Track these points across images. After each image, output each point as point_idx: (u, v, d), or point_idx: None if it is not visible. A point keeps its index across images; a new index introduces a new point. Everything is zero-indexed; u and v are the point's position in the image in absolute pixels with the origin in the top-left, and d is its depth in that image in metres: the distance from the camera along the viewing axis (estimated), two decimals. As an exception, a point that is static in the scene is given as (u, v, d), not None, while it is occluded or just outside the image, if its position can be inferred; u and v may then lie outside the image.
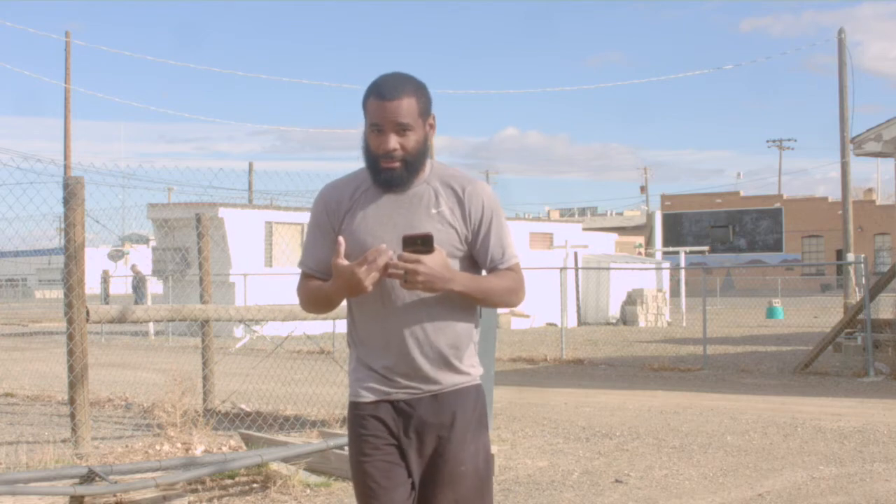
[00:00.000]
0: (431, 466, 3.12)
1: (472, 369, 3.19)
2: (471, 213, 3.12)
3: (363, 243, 3.05)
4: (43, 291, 54.40)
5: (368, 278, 2.95)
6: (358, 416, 3.16)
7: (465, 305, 3.15)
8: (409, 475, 3.12)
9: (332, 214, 3.16)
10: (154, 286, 28.27)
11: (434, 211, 3.10)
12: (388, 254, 2.95)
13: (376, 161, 3.07)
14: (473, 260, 3.16)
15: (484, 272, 3.18)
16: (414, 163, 3.08)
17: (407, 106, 3.04)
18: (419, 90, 3.10)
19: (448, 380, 3.13)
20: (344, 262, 2.98)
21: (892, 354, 14.38)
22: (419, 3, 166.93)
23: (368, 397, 3.14)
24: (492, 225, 3.15)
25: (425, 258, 2.94)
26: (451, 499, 3.11)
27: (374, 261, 2.93)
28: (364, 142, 3.11)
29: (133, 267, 30.27)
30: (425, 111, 3.11)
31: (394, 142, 3.04)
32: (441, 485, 3.11)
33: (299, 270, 3.27)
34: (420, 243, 2.95)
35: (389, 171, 3.06)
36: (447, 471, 3.11)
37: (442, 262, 2.98)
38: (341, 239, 3.02)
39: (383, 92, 3.05)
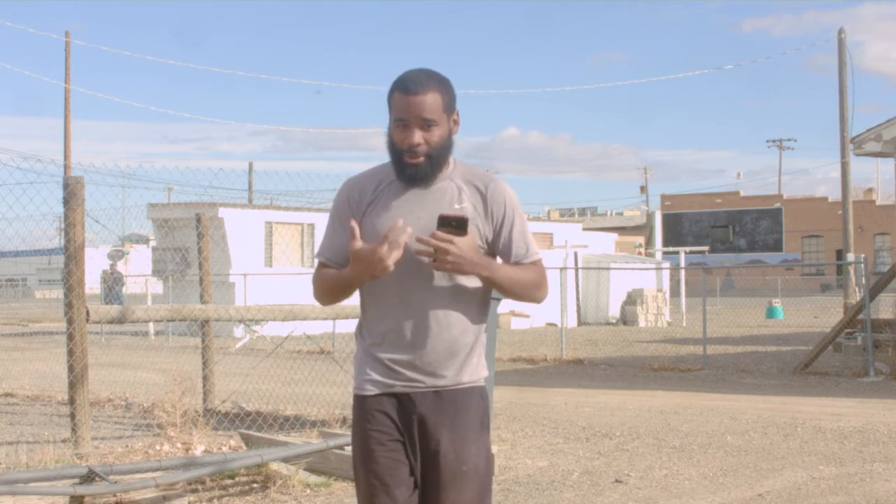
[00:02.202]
0: (433, 465, 3.11)
1: (479, 370, 3.20)
2: (493, 211, 3.15)
3: (381, 233, 3.06)
4: (43, 291, 54.36)
5: (391, 257, 2.97)
6: (363, 410, 3.16)
7: (479, 304, 3.17)
8: (412, 473, 3.12)
9: (355, 206, 3.17)
10: (154, 286, 28.28)
11: (457, 206, 3.11)
12: (408, 231, 2.98)
13: (400, 156, 3.09)
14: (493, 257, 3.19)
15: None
16: (438, 158, 3.10)
17: (432, 101, 3.06)
18: (444, 86, 3.12)
19: (453, 378, 3.14)
20: (363, 244, 3.00)
21: (892, 354, 14.38)
22: (420, 3, 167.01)
23: (372, 391, 3.15)
24: (514, 222, 3.17)
25: (458, 240, 2.97)
26: (452, 499, 3.11)
27: (395, 239, 2.96)
28: (388, 136, 3.13)
29: (112, 265, 30.31)
30: (450, 107, 3.13)
31: (418, 137, 3.05)
32: (442, 484, 3.11)
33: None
34: (455, 225, 2.98)
35: (414, 167, 3.08)
36: (449, 470, 3.10)
37: (473, 246, 3.02)
38: (354, 224, 3.03)
39: (408, 86, 3.06)
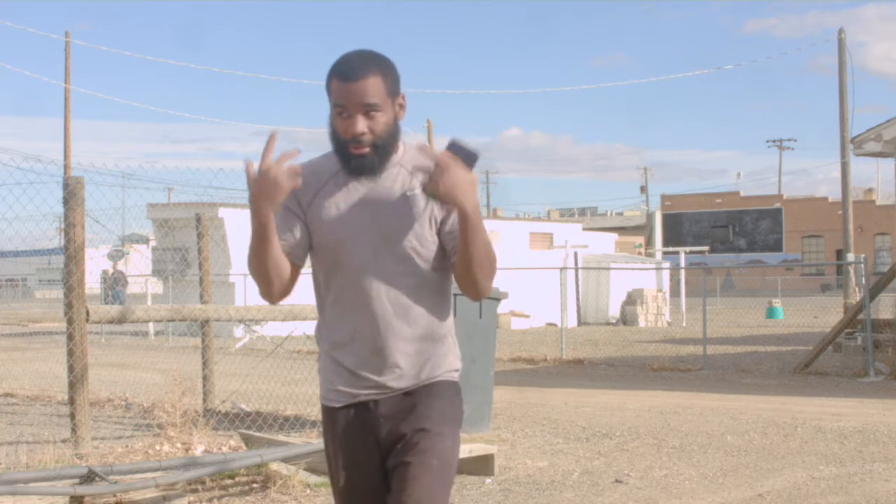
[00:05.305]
0: (401, 461, 2.95)
1: (449, 363, 3.04)
2: None
3: (334, 228, 2.93)
4: (43, 291, 54.35)
5: (275, 168, 2.78)
6: (332, 421, 3.04)
7: (442, 296, 3.01)
8: (385, 477, 2.99)
9: (301, 193, 2.97)
10: (154, 286, 28.28)
11: (409, 194, 2.92)
12: (294, 152, 2.82)
13: (345, 147, 2.89)
14: (444, 252, 2.97)
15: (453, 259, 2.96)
16: (384, 146, 2.90)
17: (373, 85, 2.85)
18: (386, 68, 2.90)
19: (421, 377, 2.98)
20: (253, 171, 2.81)
21: (892, 354, 14.38)
22: (420, 3, 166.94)
23: (337, 402, 3.02)
24: None
25: (460, 167, 2.76)
26: (416, 495, 2.91)
27: (282, 154, 2.79)
28: (330, 127, 2.93)
29: (114, 265, 30.38)
30: (394, 90, 2.91)
31: (361, 125, 2.85)
32: (409, 478, 2.92)
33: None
34: (462, 156, 2.79)
35: (360, 158, 2.89)
36: (417, 462, 2.92)
37: (474, 181, 2.79)
38: (246, 161, 2.83)
39: (346, 72, 2.85)
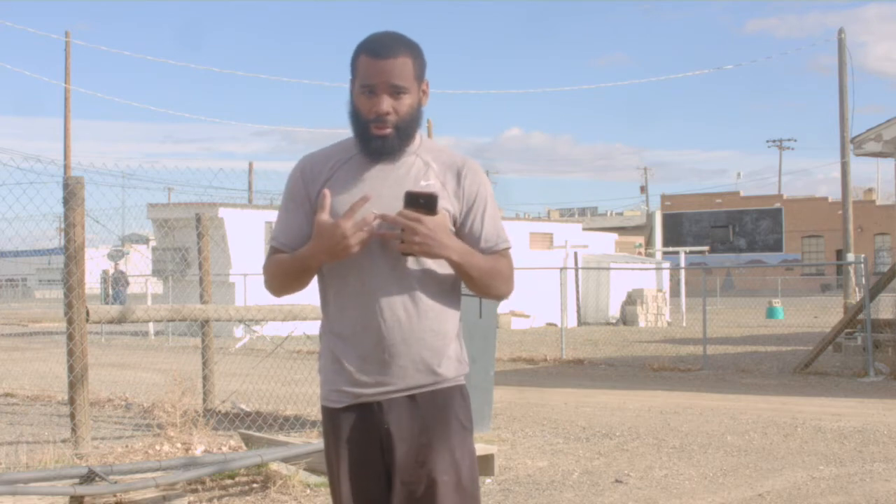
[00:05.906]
0: (411, 478, 2.86)
1: (457, 366, 2.93)
2: (466, 190, 2.88)
3: (342, 216, 2.80)
4: (43, 291, 54.38)
5: (356, 235, 2.71)
6: (333, 423, 2.93)
7: (451, 291, 2.91)
8: (388, 487, 2.88)
9: (310, 184, 2.88)
10: (154, 286, 28.30)
11: (423, 183, 2.84)
12: (374, 212, 2.74)
13: (366, 126, 2.81)
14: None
15: None
16: (406, 129, 2.83)
17: (402, 66, 2.80)
18: (415, 51, 2.86)
19: (428, 377, 2.87)
20: (329, 218, 2.74)
21: (892, 354, 14.38)
22: (420, 3, 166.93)
23: (338, 403, 2.90)
24: (487, 205, 2.91)
25: (426, 219, 2.72)
26: None
27: (363, 218, 2.72)
28: (351, 105, 2.86)
29: (115, 266, 30.46)
30: (420, 74, 2.87)
31: (387, 104, 2.78)
32: (423, 499, 2.85)
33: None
34: (423, 203, 2.74)
35: (381, 139, 2.80)
36: (426, 481, 2.84)
37: (443, 226, 2.76)
38: (327, 192, 2.77)
39: (378, 49, 2.80)
